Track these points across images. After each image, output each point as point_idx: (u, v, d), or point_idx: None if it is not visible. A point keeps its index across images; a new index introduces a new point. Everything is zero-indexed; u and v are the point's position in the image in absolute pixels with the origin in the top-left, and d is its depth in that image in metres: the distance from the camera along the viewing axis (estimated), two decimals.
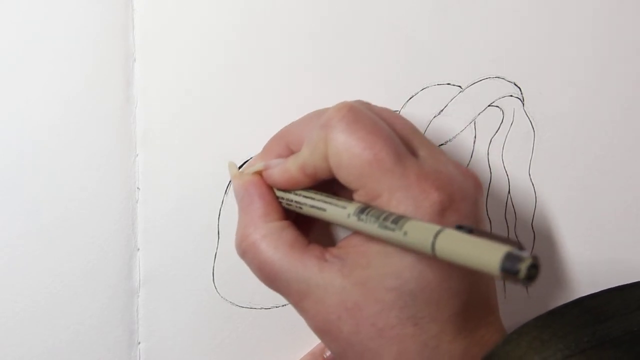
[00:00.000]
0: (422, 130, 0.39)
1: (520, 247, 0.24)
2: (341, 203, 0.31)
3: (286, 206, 0.34)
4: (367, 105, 0.33)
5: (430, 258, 0.27)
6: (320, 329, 0.31)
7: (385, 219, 0.28)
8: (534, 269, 0.23)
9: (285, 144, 0.34)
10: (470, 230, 0.26)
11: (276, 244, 0.32)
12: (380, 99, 0.38)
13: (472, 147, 0.39)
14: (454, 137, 0.39)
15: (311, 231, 0.36)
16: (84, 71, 0.36)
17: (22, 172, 0.36)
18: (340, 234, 0.38)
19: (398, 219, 0.28)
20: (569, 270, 0.40)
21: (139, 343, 0.37)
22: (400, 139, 0.31)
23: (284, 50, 0.38)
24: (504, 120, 0.39)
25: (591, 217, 0.40)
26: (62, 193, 0.36)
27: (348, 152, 0.30)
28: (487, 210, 0.40)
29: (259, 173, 0.34)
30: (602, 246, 0.40)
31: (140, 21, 0.37)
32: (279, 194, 0.34)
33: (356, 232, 0.31)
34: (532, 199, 0.40)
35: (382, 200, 0.30)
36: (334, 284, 0.30)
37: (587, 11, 0.40)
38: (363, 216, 0.29)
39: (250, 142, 0.37)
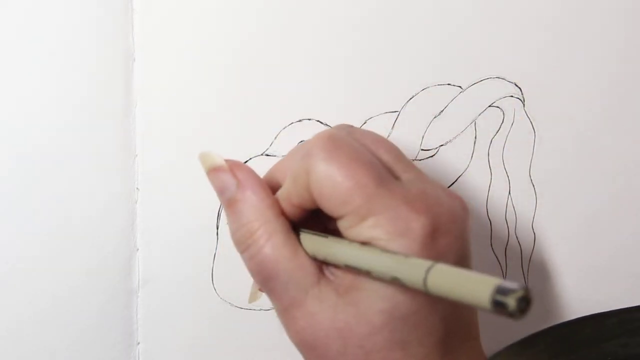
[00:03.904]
0: (422, 130, 0.39)
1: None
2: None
3: None
4: (350, 130, 0.32)
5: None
6: (305, 343, 0.30)
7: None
8: (524, 302, 0.22)
9: (275, 181, 0.34)
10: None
11: (284, 243, 0.31)
12: (380, 99, 0.38)
13: (473, 148, 0.39)
14: (454, 138, 0.39)
15: None
16: (84, 71, 0.36)
17: (21, 172, 0.36)
18: None
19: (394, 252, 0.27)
20: (569, 270, 0.40)
21: (138, 343, 0.37)
22: (383, 164, 0.31)
23: (283, 51, 0.38)
24: (504, 121, 0.39)
25: (591, 218, 0.40)
26: (61, 193, 0.36)
27: (329, 181, 0.29)
28: (487, 211, 0.40)
29: None
30: (602, 246, 0.40)
31: (140, 21, 0.37)
32: None
33: None
34: (533, 200, 0.40)
35: (368, 222, 0.29)
36: (329, 299, 0.30)
37: (587, 11, 0.40)
38: (365, 246, 0.29)
39: (251, 142, 0.37)
